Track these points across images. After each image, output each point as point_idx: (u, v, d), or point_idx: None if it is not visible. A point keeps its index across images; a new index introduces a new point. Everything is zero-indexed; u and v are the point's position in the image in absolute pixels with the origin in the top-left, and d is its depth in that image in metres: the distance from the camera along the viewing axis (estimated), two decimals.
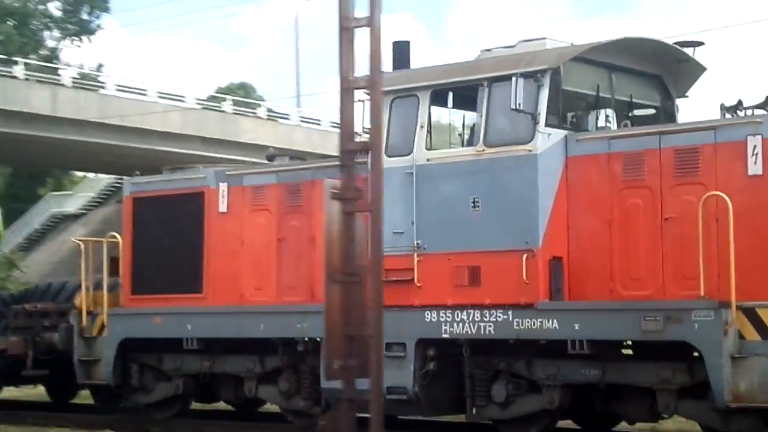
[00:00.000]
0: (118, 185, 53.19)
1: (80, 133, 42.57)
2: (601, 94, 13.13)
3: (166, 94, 46.77)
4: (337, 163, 14.13)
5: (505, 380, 12.68)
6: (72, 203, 56.09)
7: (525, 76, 12.24)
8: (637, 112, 13.76)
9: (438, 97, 13.27)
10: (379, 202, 10.23)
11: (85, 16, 63.13)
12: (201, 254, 15.25)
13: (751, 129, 11.47)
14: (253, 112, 50.42)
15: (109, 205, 50.10)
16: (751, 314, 11.11)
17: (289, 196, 14.55)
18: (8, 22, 57.72)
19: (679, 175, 11.83)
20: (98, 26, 64.03)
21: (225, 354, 15.02)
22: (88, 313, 16.09)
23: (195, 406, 16.53)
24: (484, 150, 12.61)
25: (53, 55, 60.38)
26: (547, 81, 12.38)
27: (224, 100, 50.77)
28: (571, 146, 12.50)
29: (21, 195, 56.19)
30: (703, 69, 13.75)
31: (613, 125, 13.17)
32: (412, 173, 13.03)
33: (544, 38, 13.30)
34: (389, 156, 13.19)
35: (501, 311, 12.34)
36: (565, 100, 12.73)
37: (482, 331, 12.47)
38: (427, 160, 12.99)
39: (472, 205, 12.65)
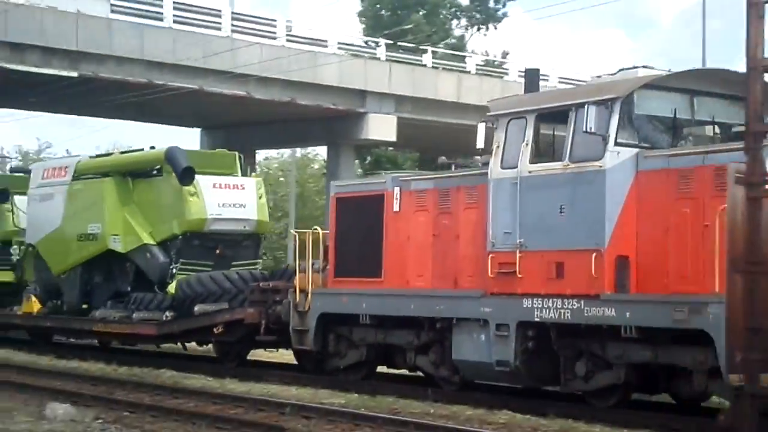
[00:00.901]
0: None
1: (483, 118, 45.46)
2: (679, 116, 15.22)
3: (567, 79, 47.18)
4: (468, 172, 17.01)
5: (585, 359, 15.13)
6: None
7: (597, 103, 14.62)
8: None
9: (542, 119, 15.76)
10: None
11: (491, 5, 65.29)
12: (381, 245, 18.44)
13: None
14: None
15: None
16: None
17: (442, 200, 17.47)
18: (419, 13, 60.86)
19: (717, 188, 13.84)
20: (504, 14, 65.69)
21: (394, 328, 18.19)
22: (302, 291, 19.71)
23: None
24: (568, 165, 15.08)
25: (460, 44, 62.96)
26: (617, 107, 14.67)
27: None
28: (641, 162, 14.70)
29: None
30: None
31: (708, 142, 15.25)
32: (517, 183, 15.68)
33: (636, 68, 15.53)
34: (502, 168, 15.94)
35: (575, 300, 14.79)
36: (639, 122, 14.95)
37: (562, 317, 14.99)
38: (529, 172, 15.58)
39: (560, 210, 15.14)
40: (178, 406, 16.48)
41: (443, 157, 18.81)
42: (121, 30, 33.46)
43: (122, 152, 26.35)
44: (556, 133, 15.95)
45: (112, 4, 32.91)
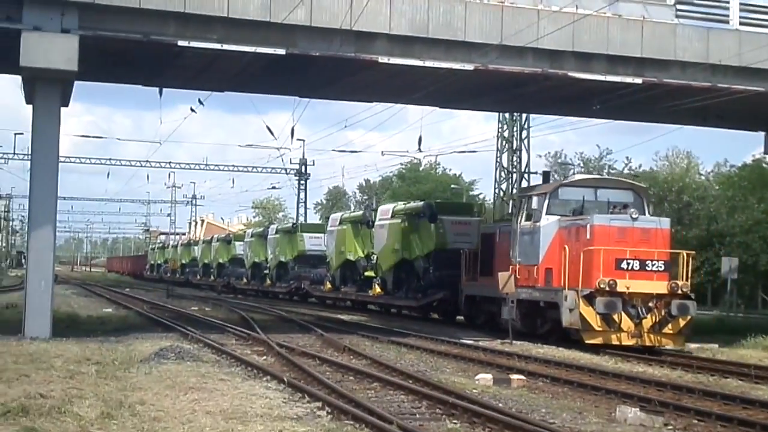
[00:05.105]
0: None
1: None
2: (586, 199, 30.80)
3: None
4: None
5: (541, 318, 31.16)
6: None
7: (537, 195, 30.75)
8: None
9: (529, 199, 31.86)
10: None
11: None
12: (493, 260, 35.00)
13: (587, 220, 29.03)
14: None
15: None
16: (578, 292, 28.64)
17: (506, 237, 33.83)
18: None
19: (577, 237, 29.48)
20: None
21: (493, 302, 34.72)
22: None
23: None
24: (531, 224, 31.20)
25: None
26: (547, 196, 30.64)
27: None
28: (561, 223, 30.54)
29: None
30: (646, 187, 30.75)
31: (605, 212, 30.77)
32: (518, 231, 31.93)
33: (574, 173, 31.33)
34: (517, 223, 32.31)
35: (530, 289, 30.94)
36: (562, 203, 30.79)
37: (526, 297, 31.14)
38: (522, 226, 31.81)
39: (529, 245, 31.30)
40: (749, 417, 16.37)
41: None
42: (685, 35, 32.14)
43: (405, 203, 44.93)
44: (533, 206, 31.92)
45: (677, 9, 32.10)
